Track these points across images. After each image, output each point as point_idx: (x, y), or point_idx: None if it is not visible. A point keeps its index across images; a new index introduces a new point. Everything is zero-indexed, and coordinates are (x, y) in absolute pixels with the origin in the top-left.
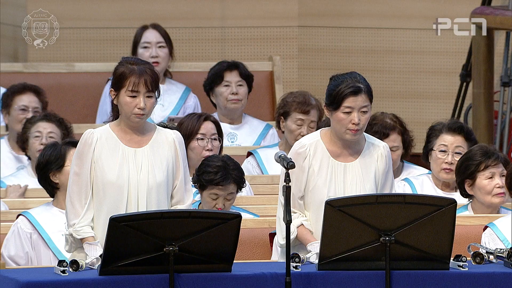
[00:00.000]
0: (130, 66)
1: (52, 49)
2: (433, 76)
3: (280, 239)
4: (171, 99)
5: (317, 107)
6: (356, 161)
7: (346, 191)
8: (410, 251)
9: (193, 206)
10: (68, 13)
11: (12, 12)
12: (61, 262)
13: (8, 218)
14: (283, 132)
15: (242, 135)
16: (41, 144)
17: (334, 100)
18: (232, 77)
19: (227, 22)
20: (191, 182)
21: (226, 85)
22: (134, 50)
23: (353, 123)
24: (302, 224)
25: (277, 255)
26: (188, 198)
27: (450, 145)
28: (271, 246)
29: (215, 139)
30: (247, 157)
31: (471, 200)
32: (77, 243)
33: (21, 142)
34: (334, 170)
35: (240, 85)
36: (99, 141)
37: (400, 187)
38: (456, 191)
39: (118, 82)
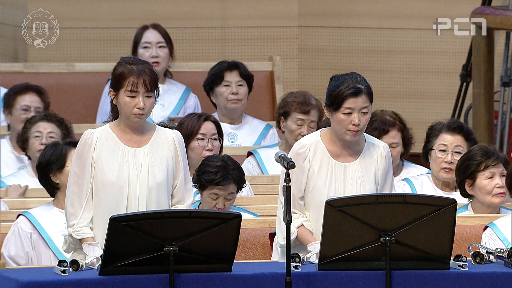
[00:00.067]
0: (129, 66)
1: (52, 49)
2: (433, 76)
3: (280, 239)
4: (171, 99)
5: (317, 107)
6: (356, 162)
7: (346, 191)
8: (410, 251)
9: (193, 206)
10: (68, 13)
11: (12, 12)
12: (61, 262)
13: (8, 218)
14: (283, 132)
15: (242, 135)
16: (41, 144)
17: (335, 101)
18: (232, 77)
19: (227, 22)
20: (191, 182)
21: (226, 85)
22: (135, 50)
23: (353, 124)
24: (303, 225)
25: (277, 255)
26: (189, 198)
27: (449, 145)
28: (271, 246)
29: (215, 139)
30: (247, 157)
31: (471, 200)
32: (76, 244)
33: (21, 142)
34: (334, 171)
35: (240, 85)
36: (99, 141)
37: (400, 187)
38: (456, 191)
39: (117, 82)
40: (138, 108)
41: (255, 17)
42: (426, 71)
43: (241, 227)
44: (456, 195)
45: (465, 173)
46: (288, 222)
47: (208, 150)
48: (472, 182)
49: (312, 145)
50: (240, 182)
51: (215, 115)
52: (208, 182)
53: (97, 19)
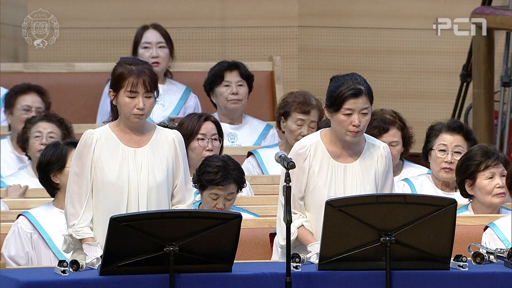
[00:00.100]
0: (129, 66)
1: (52, 49)
2: (433, 76)
3: (280, 240)
4: (171, 99)
5: (318, 107)
6: (356, 162)
7: (346, 192)
8: (410, 251)
9: (194, 206)
10: (68, 13)
11: (12, 12)
12: (61, 262)
13: (8, 218)
14: (283, 132)
15: (242, 135)
16: (41, 144)
17: (335, 102)
18: (232, 77)
19: (227, 22)
20: (192, 182)
21: (226, 85)
22: (135, 50)
23: (354, 125)
24: (303, 225)
25: (278, 255)
26: (190, 197)
27: (449, 145)
28: (271, 246)
29: (215, 139)
30: (247, 157)
31: (471, 200)
32: (76, 244)
33: (21, 142)
34: (334, 171)
35: (240, 85)
36: (99, 141)
37: (399, 187)
38: (456, 191)
39: (116, 82)
40: (138, 109)
41: (255, 17)
42: (426, 71)
43: (241, 227)
44: (456, 195)
45: (465, 173)
46: (288, 222)
47: (208, 150)
48: (472, 182)
49: (312, 146)
50: (240, 182)
51: (215, 115)
52: (208, 182)
53: (97, 19)
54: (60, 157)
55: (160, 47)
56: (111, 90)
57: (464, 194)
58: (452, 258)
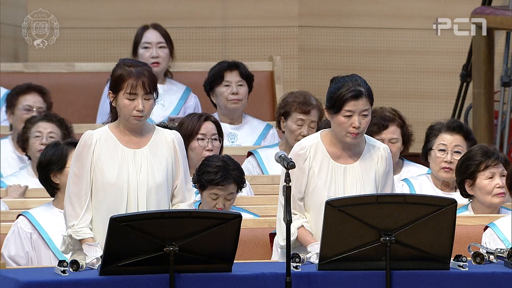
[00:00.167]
0: (128, 68)
1: (52, 49)
2: (433, 76)
3: (280, 240)
4: (171, 99)
5: (318, 107)
6: (356, 163)
7: (346, 193)
8: (410, 251)
9: (194, 206)
10: (68, 13)
11: (12, 12)
12: (61, 262)
13: (8, 218)
14: (283, 132)
15: (242, 135)
16: (42, 144)
17: (335, 103)
18: (232, 77)
19: (227, 22)
20: (192, 182)
21: (227, 85)
22: (135, 50)
23: (354, 127)
24: (303, 226)
25: (277, 255)
26: (190, 197)
27: (449, 144)
28: (271, 246)
29: (215, 139)
30: (247, 157)
31: (471, 200)
32: (75, 245)
33: (22, 142)
34: (334, 172)
35: (240, 85)
36: (98, 142)
37: (398, 187)
38: (455, 191)
39: (116, 84)
40: (137, 111)
41: (255, 17)
42: (426, 71)
43: (241, 227)
44: (456, 195)
45: (465, 173)
46: (288, 222)
47: (208, 150)
48: (472, 182)
49: (312, 147)
50: (240, 182)
51: (215, 115)
52: (208, 182)
53: (97, 19)
54: (60, 157)
55: (160, 47)
56: (111, 91)
57: (464, 194)
58: (452, 258)
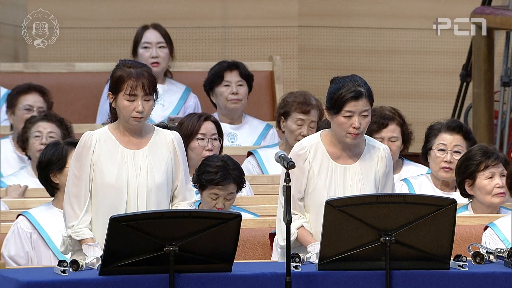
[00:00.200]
0: (127, 69)
1: (52, 49)
2: (433, 76)
3: (280, 240)
4: (171, 99)
5: (318, 107)
6: (356, 164)
7: (345, 193)
8: (410, 251)
9: (194, 206)
10: (68, 13)
11: (12, 12)
12: (61, 262)
13: (8, 218)
14: (283, 132)
15: (242, 135)
16: (41, 144)
17: (335, 104)
18: (232, 77)
19: (227, 22)
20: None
21: (226, 85)
22: (135, 50)
23: (354, 127)
24: (303, 226)
25: (277, 255)
26: (191, 196)
27: (449, 144)
28: (271, 246)
29: (215, 139)
30: (247, 157)
31: (471, 200)
32: (75, 245)
33: (21, 142)
34: (334, 172)
35: (240, 85)
36: (98, 143)
37: (397, 187)
38: (455, 191)
39: (115, 85)
40: (137, 112)
41: (255, 17)
42: (426, 71)
43: (241, 227)
44: (456, 195)
45: (465, 173)
46: (288, 222)
47: (208, 150)
48: (472, 182)
49: (312, 147)
50: (240, 182)
51: (215, 115)
52: (208, 182)
53: (97, 19)
54: (60, 157)
55: (160, 47)
56: (110, 93)
57: (464, 194)
58: (452, 258)
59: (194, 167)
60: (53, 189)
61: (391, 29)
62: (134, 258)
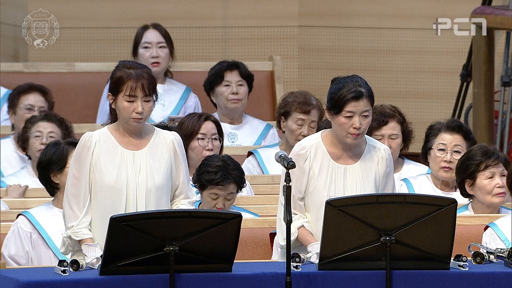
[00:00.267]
0: (127, 70)
1: (53, 49)
2: (433, 76)
3: (280, 240)
4: (171, 99)
5: (318, 107)
6: (357, 164)
7: (346, 193)
8: (410, 251)
9: (194, 205)
10: (68, 13)
11: (12, 12)
12: (61, 262)
13: (8, 218)
14: (283, 132)
15: (243, 135)
16: (42, 144)
17: (336, 104)
18: (232, 77)
19: (227, 22)
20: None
21: (227, 85)
22: (135, 50)
23: (354, 128)
24: (303, 226)
25: (278, 255)
26: (193, 195)
27: (449, 144)
28: (272, 246)
29: (215, 139)
30: (247, 157)
31: (471, 200)
32: (75, 246)
33: (22, 142)
34: (334, 173)
35: (240, 85)
36: (98, 144)
37: (397, 187)
38: (455, 191)
39: (115, 86)
40: (137, 113)
41: (256, 17)
42: (426, 71)
43: (241, 227)
44: (456, 195)
45: (465, 173)
46: (288, 222)
47: (208, 150)
48: (472, 182)
49: (313, 147)
50: (240, 182)
51: (215, 115)
52: (208, 182)
53: (97, 19)
54: (61, 157)
55: (160, 47)
56: (110, 94)
57: (464, 194)
58: (452, 258)
59: (194, 167)
60: (53, 189)
61: (391, 29)
62: (134, 258)
